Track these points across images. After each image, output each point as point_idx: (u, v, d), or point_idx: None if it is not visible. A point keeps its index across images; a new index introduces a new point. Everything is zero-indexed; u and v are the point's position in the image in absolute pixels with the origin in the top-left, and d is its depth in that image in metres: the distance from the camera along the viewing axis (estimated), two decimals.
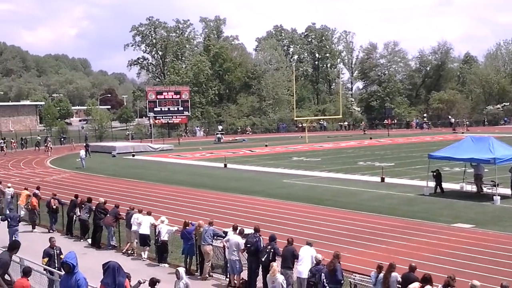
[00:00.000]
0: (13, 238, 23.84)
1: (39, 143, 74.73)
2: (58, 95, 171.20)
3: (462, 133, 77.09)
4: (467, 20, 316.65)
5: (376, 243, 21.40)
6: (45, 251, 16.40)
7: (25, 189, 29.25)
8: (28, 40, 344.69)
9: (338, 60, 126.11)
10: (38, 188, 28.28)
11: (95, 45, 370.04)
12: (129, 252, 21.34)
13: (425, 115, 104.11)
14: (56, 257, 16.08)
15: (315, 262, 15.02)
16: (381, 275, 13.67)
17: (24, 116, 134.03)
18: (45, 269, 14.89)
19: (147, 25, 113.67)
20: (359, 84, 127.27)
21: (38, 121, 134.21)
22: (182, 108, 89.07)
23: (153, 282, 13.18)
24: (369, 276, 14.04)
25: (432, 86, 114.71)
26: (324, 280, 14.14)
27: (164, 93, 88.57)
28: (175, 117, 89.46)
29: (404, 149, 59.08)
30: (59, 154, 65.74)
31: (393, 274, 13.56)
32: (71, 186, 38.33)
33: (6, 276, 13.48)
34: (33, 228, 25.87)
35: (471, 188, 32.10)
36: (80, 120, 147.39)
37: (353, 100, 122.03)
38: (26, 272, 12.94)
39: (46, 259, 15.82)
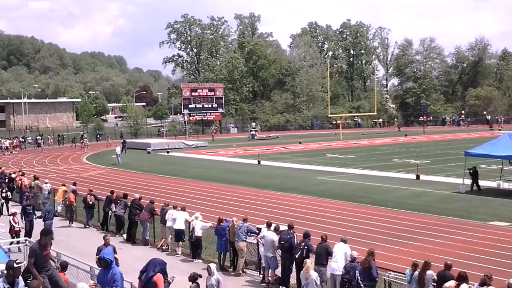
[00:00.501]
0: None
1: (75, 139, 75.81)
2: (94, 92, 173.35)
3: (499, 130, 75.94)
4: (504, 16, 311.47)
5: (411, 241, 21.22)
6: (99, 248, 16.08)
7: (63, 185, 29.68)
8: (65, 38, 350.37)
9: (373, 56, 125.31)
10: (74, 184, 28.63)
11: (131, 43, 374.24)
12: (164, 247, 21.51)
13: (462, 111, 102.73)
14: None
15: (349, 259, 14.95)
16: (416, 273, 13.56)
17: (61, 113, 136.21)
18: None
19: (182, 22, 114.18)
20: (394, 81, 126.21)
21: (75, 118, 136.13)
22: (216, 105, 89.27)
23: (194, 277, 13.27)
24: (404, 274, 13.94)
25: (469, 83, 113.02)
26: (358, 277, 14.08)
27: (198, 90, 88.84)
28: (209, 114, 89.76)
29: (439, 146, 58.47)
30: (95, 151, 66.52)
31: (429, 272, 13.43)
32: (107, 182, 38.82)
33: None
34: (71, 223, 26.27)
35: (508, 185, 31.66)
36: (115, 117, 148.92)
37: (388, 96, 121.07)
38: (63, 266, 13.12)
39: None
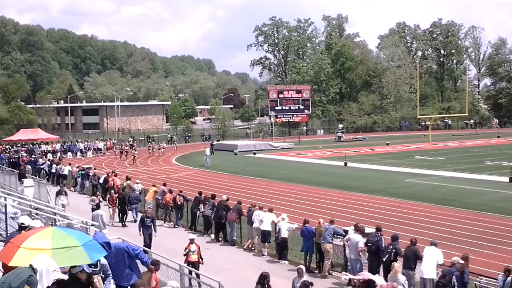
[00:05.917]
0: (133, 214, 25.67)
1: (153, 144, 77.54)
2: (183, 95, 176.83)
3: None
4: None
5: (503, 246, 20.57)
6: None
7: (153, 185, 30.48)
8: (156, 42, 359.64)
9: (465, 56, 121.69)
10: (164, 185, 29.37)
11: (219, 46, 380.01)
12: (250, 247, 21.72)
13: None
14: None
15: (440, 263, 14.68)
16: (509, 278, 13.15)
17: (151, 115, 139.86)
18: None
19: (270, 25, 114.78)
20: (487, 81, 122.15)
21: (165, 120, 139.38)
22: (303, 107, 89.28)
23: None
24: (496, 279, 13.54)
25: None
26: (456, 284, 13.75)
27: (285, 92, 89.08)
28: (295, 115, 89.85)
29: None
30: (183, 152, 67.84)
31: None
32: (195, 183, 39.50)
33: None
34: (164, 222, 26.96)
35: None
36: (204, 119, 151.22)
37: (479, 97, 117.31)
38: (154, 264, 13.38)
39: None
